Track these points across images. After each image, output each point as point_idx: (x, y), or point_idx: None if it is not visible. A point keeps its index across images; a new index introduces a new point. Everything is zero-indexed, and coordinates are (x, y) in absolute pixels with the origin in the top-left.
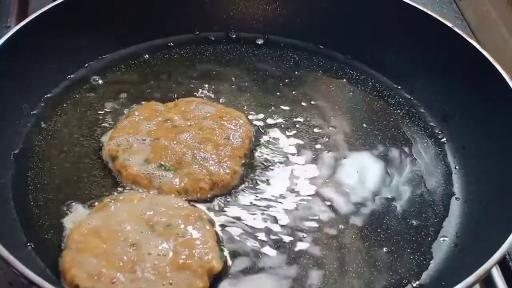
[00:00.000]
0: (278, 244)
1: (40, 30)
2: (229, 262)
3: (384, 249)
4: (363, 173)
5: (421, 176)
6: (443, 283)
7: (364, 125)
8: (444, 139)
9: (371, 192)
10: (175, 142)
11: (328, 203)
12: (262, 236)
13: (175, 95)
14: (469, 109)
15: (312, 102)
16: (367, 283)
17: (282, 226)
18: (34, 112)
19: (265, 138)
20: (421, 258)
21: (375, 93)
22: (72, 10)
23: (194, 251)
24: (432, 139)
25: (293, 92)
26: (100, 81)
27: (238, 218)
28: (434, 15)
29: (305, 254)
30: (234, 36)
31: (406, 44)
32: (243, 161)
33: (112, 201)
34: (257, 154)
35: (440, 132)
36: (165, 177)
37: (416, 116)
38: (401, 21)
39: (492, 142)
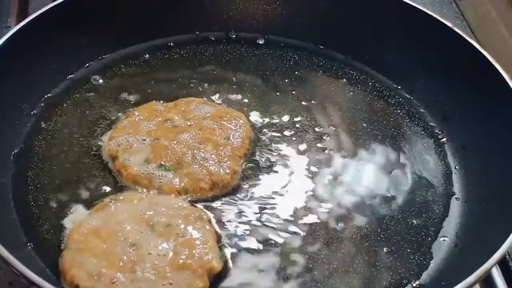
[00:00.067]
0: (278, 244)
1: (40, 30)
2: (229, 262)
3: (384, 249)
4: (363, 173)
5: (421, 176)
6: (443, 283)
7: (364, 125)
8: (444, 139)
9: (371, 191)
10: (175, 142)
11: (328, 203)
12: (262, 236)
13: (175, 95)
14: (469, 109)
15: (312, 102)
16: (367, 283)
17: (282, 226)
18: (34, 112)
19: (265, 138)
20: (421, 258)
21: (375, 93)
22: (72, 10)
23: (194, 251)
24: (432, 139)
25: (293, 92)
26: (100, 81)
27: (238, 218)
28: (434, 15)
29: (305, 254)
30: (234, 36)
31: (406, 44)
32: (243, 161)
33: (112, 201)
34: (257, 154)
35: (440, 132)
36: (165, 177)
37: (416, 116)
38: (401, 21)
39: (492, 142)
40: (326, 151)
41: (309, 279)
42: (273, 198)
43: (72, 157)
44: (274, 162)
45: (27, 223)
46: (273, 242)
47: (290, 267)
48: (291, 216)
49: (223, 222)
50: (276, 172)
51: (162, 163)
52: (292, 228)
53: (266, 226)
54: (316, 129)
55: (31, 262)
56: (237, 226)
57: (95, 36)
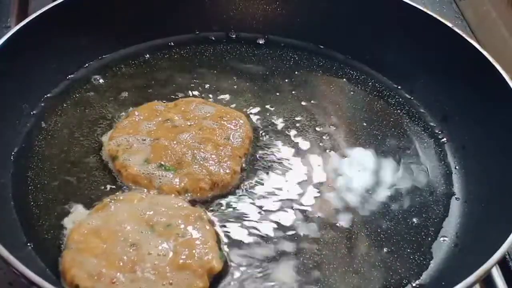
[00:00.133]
0: (278, 244)
1: (40, 30)
2: (229, 262)
3: (384, 249)
4: (363, 173)
5: (421, 176)
6: (443, 283)
7: (364, 125)
8: (444, 139)
9: (371, 191)
10: (175, 142)
11: (328, 202)
12: (262, 235)
13: (175, 95)
14: (469, 109)
15: (312, 102)
16: (367, 283)
17: (282, 225)
18: (34, 112)
19: (265, 138)
20: (421, 258)
21: (375, 93)
22: (72, 10)
23: (194, 251)
24: (432, 139)
25: (293, 92)
26: (101, 81)
27: (238, 218)
28: (434, 15)
29: (305, 253)
30: (234, 36)
31: (406, 44)
32: (243, 161)
33: (112, 201)
34: (257, 154)
35: (440, 132)
36: (165, 177)
37: (416, 116)
38: (401, 21)
39: (492, 142)
40: (326, 151)
41: (309, 278)
42: (273, 197)
43: (72, 157)
44: (274, 162)
45: (27, 223)
46: (273, 242)
47: (290, 267)
48: (291, 215)
49: (223, 222)
50: (276, 172)
51: (162, 163)
52: (292, 227)
53: (266, 226)
54: (316, 129)
55: (31, 262)
56: (237, 226)
57: (95, 36)
